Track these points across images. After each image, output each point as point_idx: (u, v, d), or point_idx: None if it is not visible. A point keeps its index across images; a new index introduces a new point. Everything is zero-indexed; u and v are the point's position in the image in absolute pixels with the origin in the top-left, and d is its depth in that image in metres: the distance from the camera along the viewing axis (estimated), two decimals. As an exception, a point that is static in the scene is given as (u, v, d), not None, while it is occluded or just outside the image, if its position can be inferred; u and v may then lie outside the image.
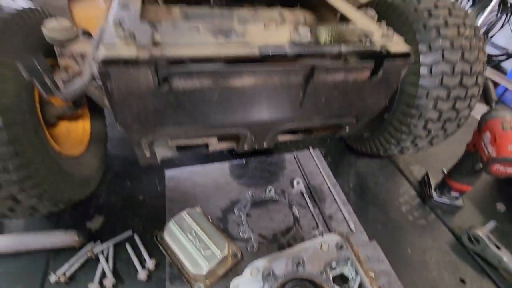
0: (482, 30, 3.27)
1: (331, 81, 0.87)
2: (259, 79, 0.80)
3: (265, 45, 0.76)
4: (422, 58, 1.13)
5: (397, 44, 0.87)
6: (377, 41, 0.86)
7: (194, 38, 0.75)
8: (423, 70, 1.13)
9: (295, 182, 1.42)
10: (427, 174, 1.51)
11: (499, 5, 3.13)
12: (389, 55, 0.85)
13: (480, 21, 2.99)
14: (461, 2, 3.29)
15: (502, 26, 3.26)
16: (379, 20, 1.18)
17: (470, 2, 3.25)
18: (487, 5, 2.90)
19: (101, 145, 1.45)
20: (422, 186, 1.50)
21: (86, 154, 1.29)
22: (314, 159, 1.60)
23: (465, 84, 1.13)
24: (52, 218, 1.20)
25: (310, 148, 1.66)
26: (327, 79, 0.86)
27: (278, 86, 0.84)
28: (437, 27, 1.10)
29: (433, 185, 1.46)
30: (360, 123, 1.16)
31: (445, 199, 1.42)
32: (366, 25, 0.99)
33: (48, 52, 0.89)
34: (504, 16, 3.20)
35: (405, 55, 0.87)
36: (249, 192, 1.33)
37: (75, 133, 1.35)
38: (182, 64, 0.69)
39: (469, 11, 3.14)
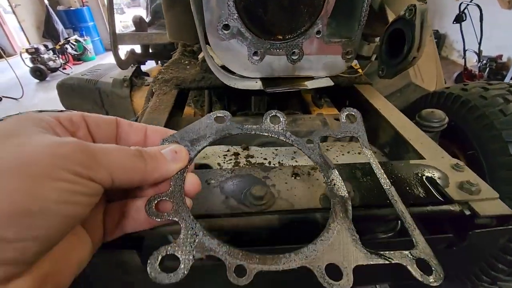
0: None
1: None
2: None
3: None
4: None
5: (487, 201, 0.59)
6: (452, 192, 0.60)
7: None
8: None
9: None
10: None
11: None
12: (475, 221, 0.57)
13: None
14: None
15: None
16: (450, 122, 0.92)
17: None
18: None
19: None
20: None
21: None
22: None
23: None
24: None
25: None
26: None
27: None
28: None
29: None
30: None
31: None
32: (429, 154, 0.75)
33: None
34: None
35: (503, 218, 0.58)
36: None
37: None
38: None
39: None
